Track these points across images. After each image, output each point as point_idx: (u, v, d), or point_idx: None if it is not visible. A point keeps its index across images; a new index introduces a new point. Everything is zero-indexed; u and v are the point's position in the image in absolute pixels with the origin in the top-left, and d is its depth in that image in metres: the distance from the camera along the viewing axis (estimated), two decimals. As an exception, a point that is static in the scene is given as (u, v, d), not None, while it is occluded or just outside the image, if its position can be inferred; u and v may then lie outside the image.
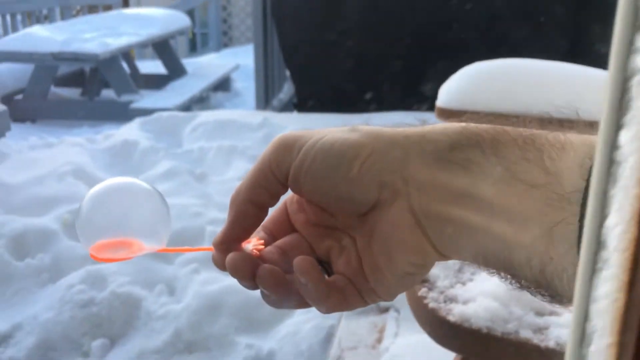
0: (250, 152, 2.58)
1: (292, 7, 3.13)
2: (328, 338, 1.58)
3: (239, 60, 5.60)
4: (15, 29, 4.95)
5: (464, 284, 0.65)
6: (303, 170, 0.36)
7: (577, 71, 1.36)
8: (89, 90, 4.77)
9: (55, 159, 2.43)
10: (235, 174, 2.45)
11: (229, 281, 1.76)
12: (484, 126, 0.34)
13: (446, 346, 0.62)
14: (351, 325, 1.16)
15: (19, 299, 1.84)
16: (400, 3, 3.01)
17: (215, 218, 2.05)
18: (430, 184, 0.33)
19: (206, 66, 5.49)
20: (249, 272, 0.36)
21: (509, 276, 0.32)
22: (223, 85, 5.23)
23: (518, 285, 0.32)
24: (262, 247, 0.38)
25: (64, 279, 1.81)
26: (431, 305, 0.62)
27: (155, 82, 4.97)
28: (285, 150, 0.37)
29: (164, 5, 5.91)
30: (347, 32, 2.99)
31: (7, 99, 3.89)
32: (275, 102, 3.46)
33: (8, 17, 4.97)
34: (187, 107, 4.27)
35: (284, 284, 0.36)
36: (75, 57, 4.15)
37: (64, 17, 5.62)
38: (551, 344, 0.57)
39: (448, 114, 1.26)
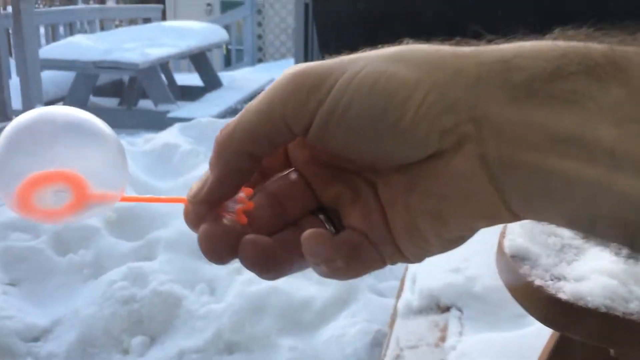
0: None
1: (334, 15, 3.13)
2: (374, 342, 1.52)
3: (273, 75, 5.66)
4: (56, 40, 5.06)
5: (569, 263, 0.60)
6: (333, 121, 0.27)
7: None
8: (127, 100, 4.83)
9: (98, 158, 2.44)
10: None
11: (272, 282, 1.72)
12: (598, 46, 0.25)
13: (555, 327, 0.57)
14: (409, 324, 1.10)
15: (60, 294, 1.82)
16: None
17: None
18: (518, 126, 0.25)
19: (241, 79, 5.54)
20: (227, 250, 0.28)
21: (625, 245, 0.25)
22: (257, 98, 5.26)
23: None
24: (251, 206, 0.30)
25: (106, 275, 1.80)
26: (537, 282, 0.57)
27: (192, 94, 5.02)
28: (308, 90, 0.27)
29: (200, 20, 6.01)
30: (390, 40, 2.97)
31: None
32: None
33: (50, 29, 5.09)
34: (222, 118, 4.30)
35: (272, 259, 0.28)
36: (116, 66, 4.21)
37: (104, 29, 5.74)
38: (680, 326, 0.51)
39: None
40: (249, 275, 1.76)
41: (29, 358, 1.60)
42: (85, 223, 1.99)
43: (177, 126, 2.95)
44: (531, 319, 0.58)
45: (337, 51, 0.30)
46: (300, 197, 0.31)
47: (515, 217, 0.27)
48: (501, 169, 0.26)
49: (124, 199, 0.29)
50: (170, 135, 2.81)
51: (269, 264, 0.28)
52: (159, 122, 4.08)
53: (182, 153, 2.56)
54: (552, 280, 0.57)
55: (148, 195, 0.32)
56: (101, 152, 0.28)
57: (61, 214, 0.28)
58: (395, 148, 0.27)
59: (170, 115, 4.25)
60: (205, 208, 0.30)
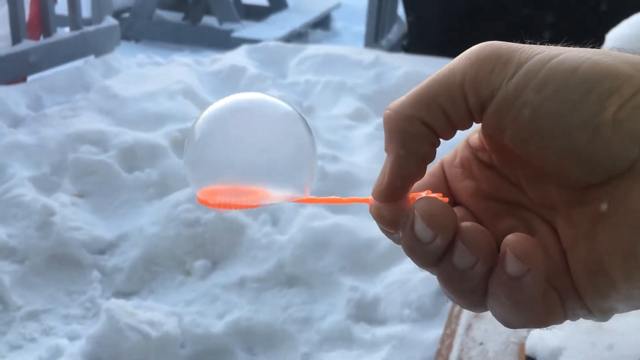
0: (360, 90, 2.45)
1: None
2: (441, 291, 1.48)
3: (340, -1, 5.43)
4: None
5: None
6: (520, 101, 0.24)
7: None
8: (191, 16, 4.75)
9: (166, 76, 2.41)
10: (342, 110, 2.34)
11: (335, 219, 1.68)
12: None
13: None
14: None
15: (126, 210, 1.85)
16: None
17: (324, 154, 1.97)
18: None
19: (307, 1, 5.34)
20: (452, 225, 0.25)
21: None
22: (323, 23, 5.09)
23: None
24: (445, 201, 0.27)
25: (171, 195, 1.80)
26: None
27: (256, 13, 4.90)
28: (495, 62, 0.25)
29: None
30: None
31: (115, 16, 3.93)
32: (384, 42, 3.29)
33: None
34: (286, 40, 4.18)
35: (494, 252, 0.25)
36: (183, -21, 4.11)
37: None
38: None
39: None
40: (312, 210, 1.73)
41: (95, 270, 1.64)
42: (152, 141, 1.99)
43: (243, 48, 2.87)
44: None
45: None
46: None
47: None
48: None
49: (302, 201, 0.29)
50: (237, 57, 2.74)
51: (491, 254, 0.25)
52: (223, 41, 4.02)
53: (250, 77, 2.50)
54: None
55: (331, 197, 0.30)
56: (293, 158, 0.28)
57: (241, 206, 0.29)
58: (588, 146, 0.23)
59: (234, 35, 4.17)
60: (392, 195, 0.26)
